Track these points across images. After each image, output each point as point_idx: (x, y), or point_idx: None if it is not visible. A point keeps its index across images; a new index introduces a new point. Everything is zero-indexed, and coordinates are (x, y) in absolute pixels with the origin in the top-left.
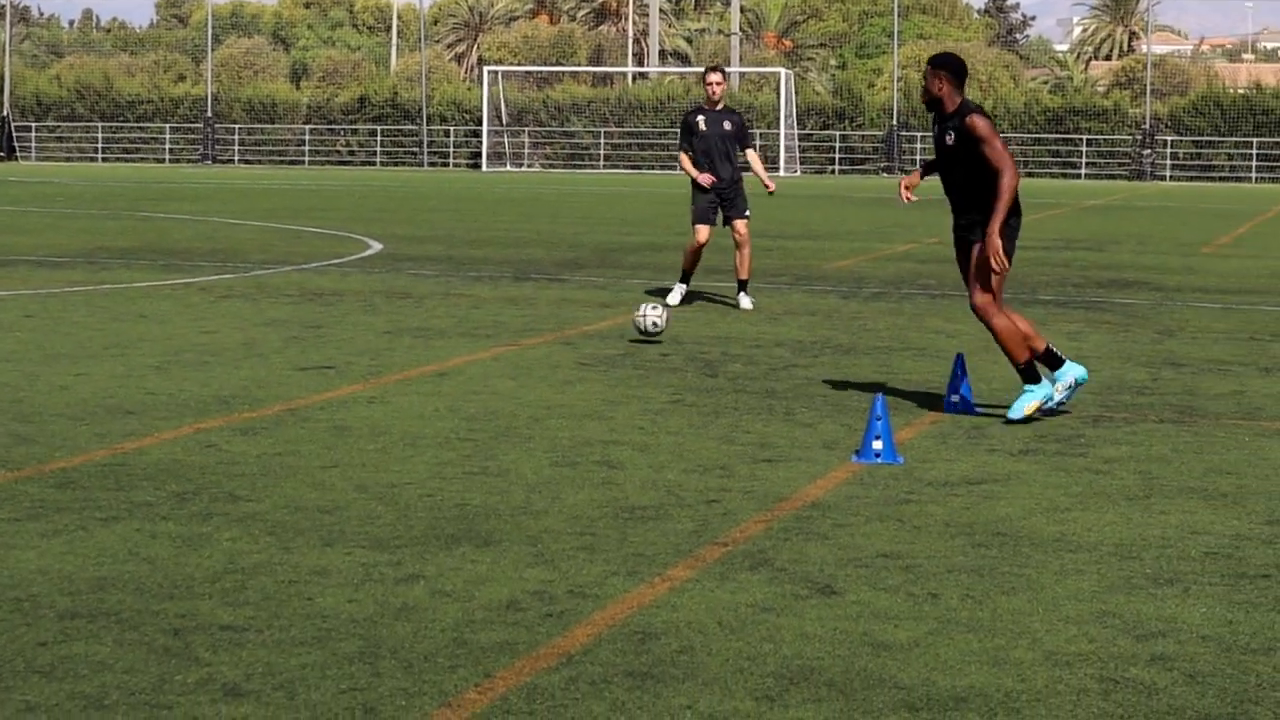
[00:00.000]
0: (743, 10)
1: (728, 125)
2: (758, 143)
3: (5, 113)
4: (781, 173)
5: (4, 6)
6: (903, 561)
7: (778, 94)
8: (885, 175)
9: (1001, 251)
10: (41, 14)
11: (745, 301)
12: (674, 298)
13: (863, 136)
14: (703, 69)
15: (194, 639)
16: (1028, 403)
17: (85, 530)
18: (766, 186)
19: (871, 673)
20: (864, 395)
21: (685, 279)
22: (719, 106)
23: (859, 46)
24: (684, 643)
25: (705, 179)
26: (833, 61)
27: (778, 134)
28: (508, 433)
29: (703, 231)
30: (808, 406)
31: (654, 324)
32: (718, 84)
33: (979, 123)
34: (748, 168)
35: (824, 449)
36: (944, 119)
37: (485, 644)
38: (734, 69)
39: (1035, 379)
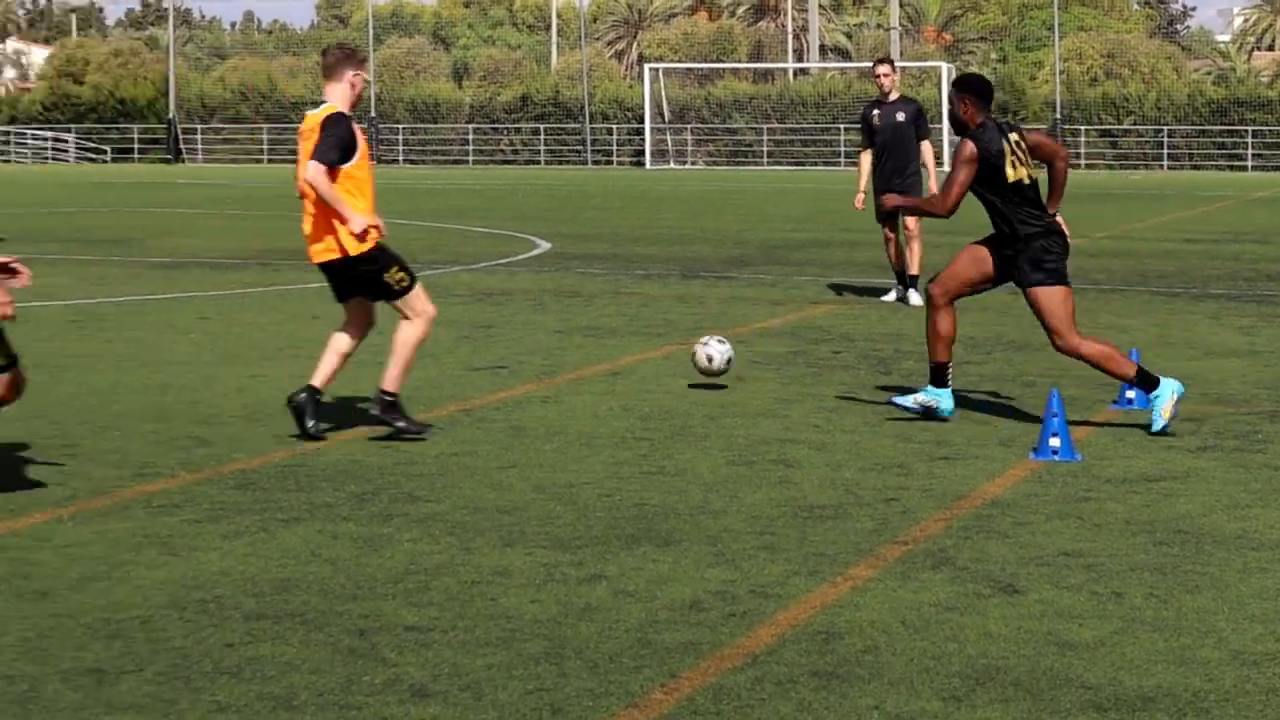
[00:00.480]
0: (902, 5)
1: (901, 116)
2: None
3: (171, 115)
4: (946, 167)
5: (167, 10)
6: (1085, 560)
7: (939, 89)
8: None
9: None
10: (204, 17)
11: (915, 298)
12: (891, 296)
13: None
14: (869, 64)
15: (379, 639)
16: (1164, 406)
17: (267, 531)
18: (931, 187)
19: (1058, 672)
20: (1039, 392)
21: (899, 278)
22: (892, 98)
23: (1019, 40)
24: (868, 642)
25: (858, 201)
26: (993, 55)
27: (940, 129)
28: (683, 431)
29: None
30: (983, 403)
31: (710, 360)
32: (885, 75)
33: (961, 147)
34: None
35: (1001, 446)
36: None
37: (670, 644)
38: (895, 63)
39: (1153, 383)
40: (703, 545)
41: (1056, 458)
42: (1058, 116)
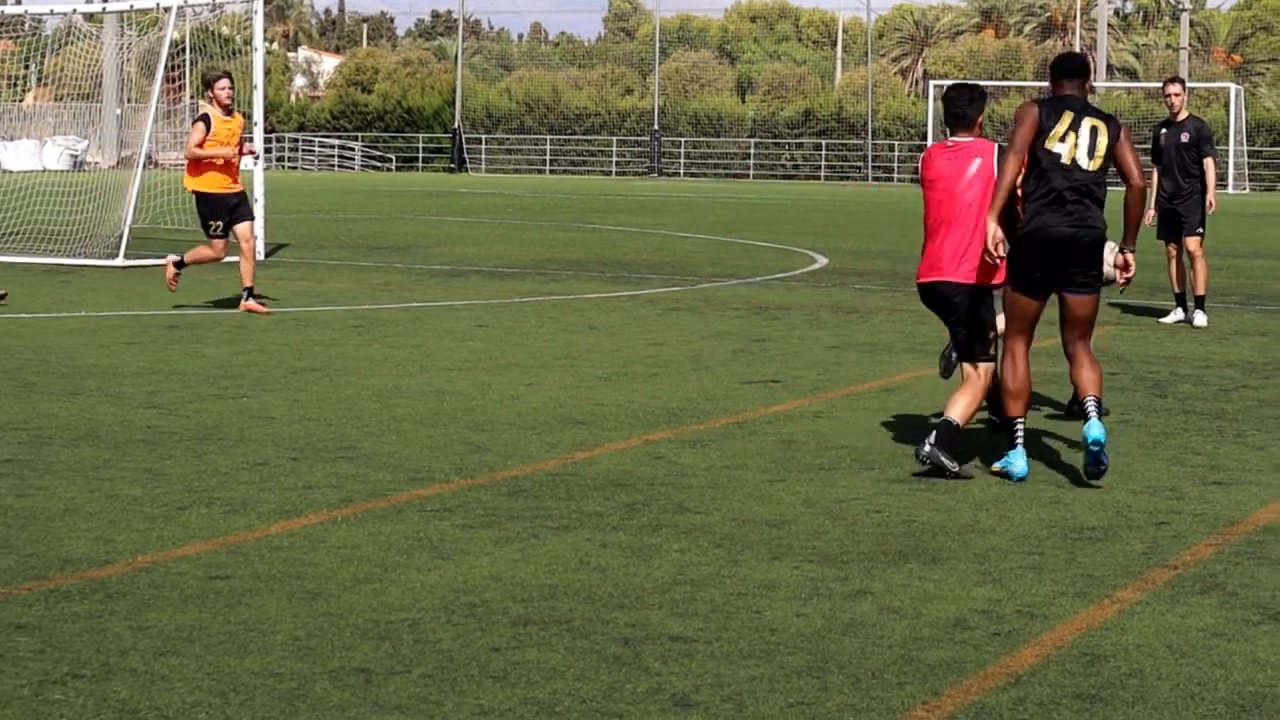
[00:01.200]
0: (1192, 25)
1: (1184, 136)
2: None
3: (457, 125)
4: (1230, 189)
5: (457, 21)
6: None
7: (1227, 110)
8: None
9: None
10: (492, 27)
11: (1200, 319)
12: (1171, 318)
13: None
14: (1157, 83)
15: (644, 649)
16: (999, 465)
17: (537, 538)
18: (1208, 204)
19: None
20: None
21: (1177, 300)
22: (1180, 117)
23: None
24: (1133, 666)
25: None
26: None
27: (1227, 150)
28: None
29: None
30: (1259, 428)
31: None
32: (1175, 95)
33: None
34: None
35: (1275, 472)
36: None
37: (933, 661)
38: None
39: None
40: (970, 564)
41: None
42: None
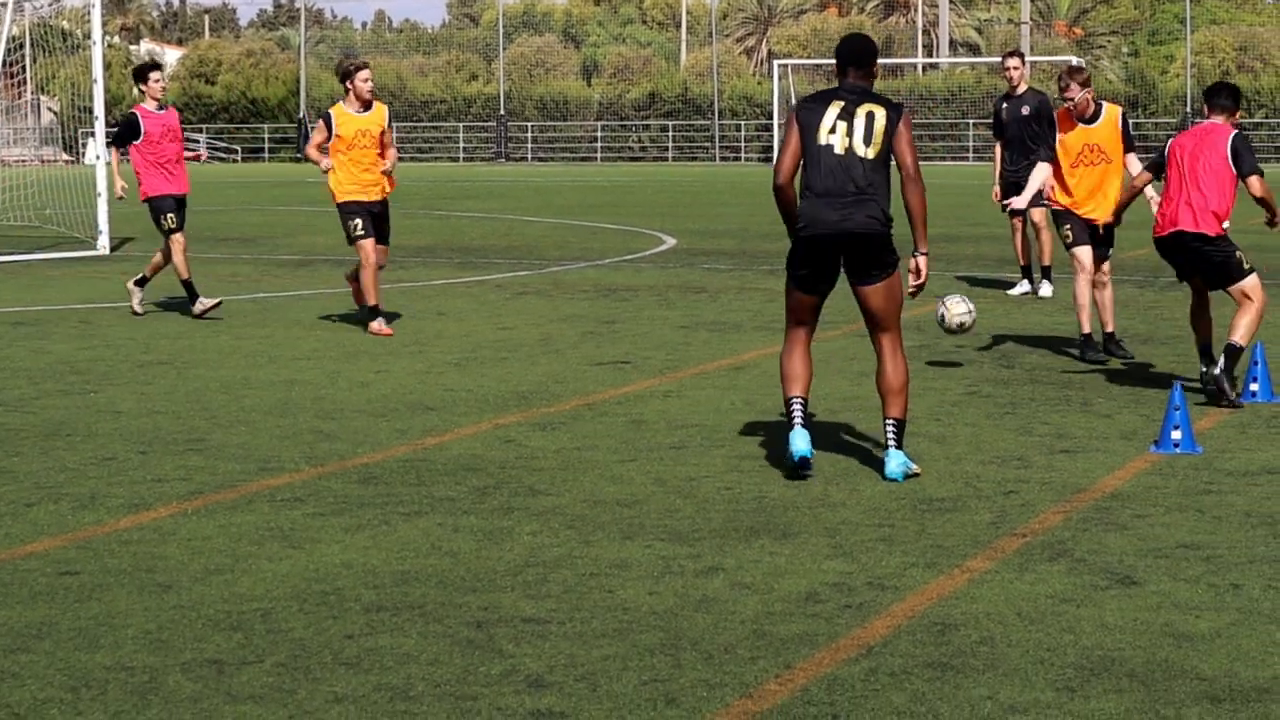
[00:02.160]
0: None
1: (1025, 109)
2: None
3: (302, 115)
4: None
5: (299, 10)
6: (1203, 552)
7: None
8: None
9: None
10: (335, 16)
11: (1045, 289)
12: (1017, 290)
13: (1156, 124)
14: (999, 58)
15: (497, 631)
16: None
17: (388, 525)
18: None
19: (1173, 664)
20: (1161, 385)
21: (1023, 271)
22: (1019, 90)
23: (1151, 33)
24: (984, 634)
25: (994, 194)
26: (1124, 49)
27: None
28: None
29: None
30: (1105, 397)
31: (960, 323)
32: (1014, 69)
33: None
34: None
35: (1122, 439)
36: None
37: (785, 635)
38: (1026, 58)
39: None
40: (821, 538)
41: (1178, 450)
42: (1188, 110)
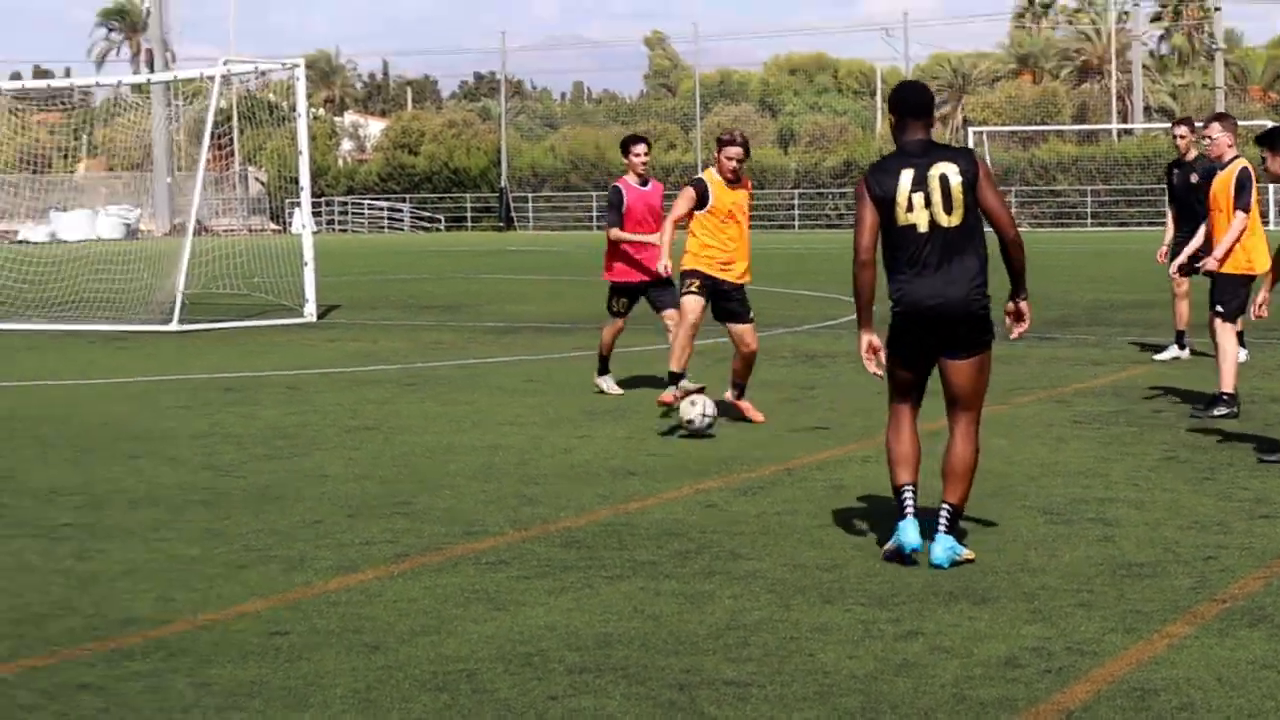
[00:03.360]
0: (1227, 65)
1: (1193, 177)
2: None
3: (503, 184)
4: (1271, 225)
5: (500, 82)
6: None
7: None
8: None
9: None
10: (535, 87)
11: (1241, 355)
12: (1165, 355)
13: None
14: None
15: (699, 694)
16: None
17: (591, 588)
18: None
19: None
20: None
21: (1178, 337)
22: (1189, 158)
23: None
24: (1184, 699)
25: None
26: None
27: (1266, 187)
28: (1003, 490)
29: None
30: None
31: (704, 419)
32: (1181, 137)
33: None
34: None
35: None
36: None
37: (985, 700)
38: None
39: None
40: (1020, 602)
41: None
42: None
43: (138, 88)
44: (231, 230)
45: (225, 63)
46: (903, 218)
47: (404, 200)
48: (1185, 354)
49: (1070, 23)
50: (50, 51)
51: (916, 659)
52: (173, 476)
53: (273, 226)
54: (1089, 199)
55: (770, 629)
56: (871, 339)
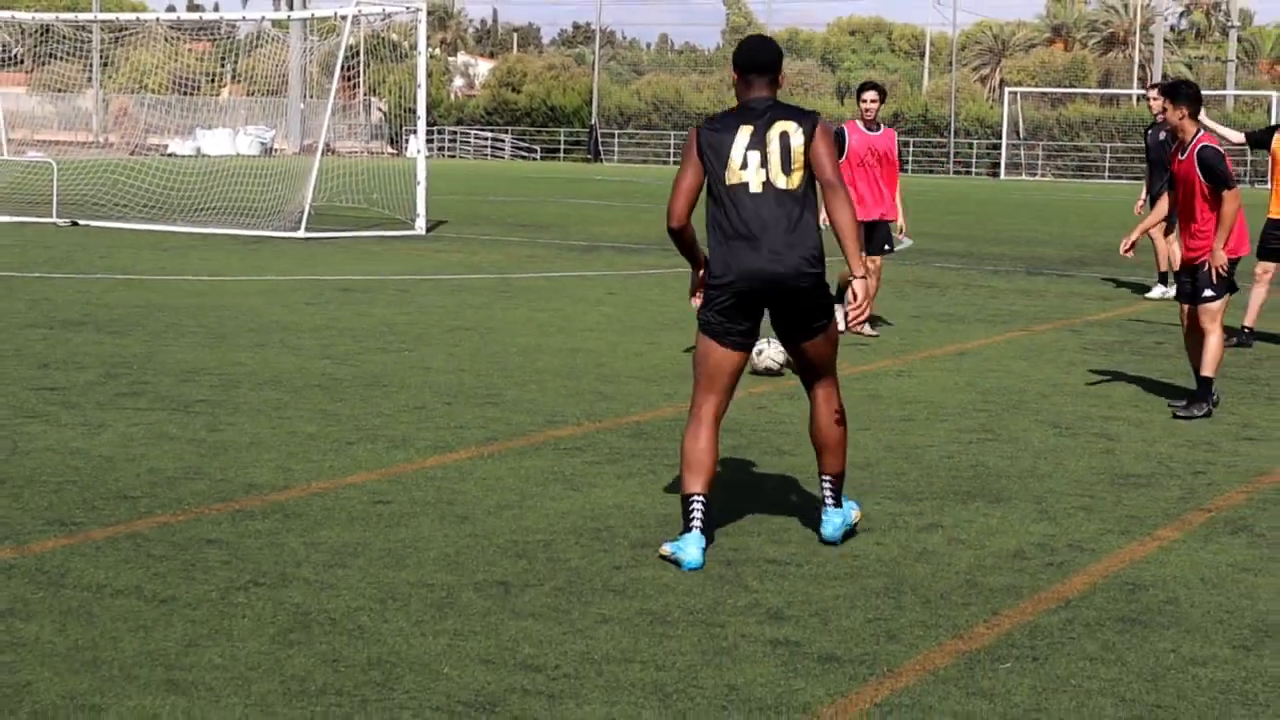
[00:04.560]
0: (1240, 40)
1: (1163, 135)
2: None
3: (594, 121)
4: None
5: (594, 32)
6: None
7: (1269, 114)
8: None
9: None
10: (625, 38)
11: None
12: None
13: None
14: (1209, 92)
15: (744, 569)
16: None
17: (654, 474)
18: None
19: None
20: None
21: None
22: (1162, 119)
23: None
24: (1169, 595)
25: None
26: None
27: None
28: (1019, 405)
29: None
30: None
31: (771, 364)
32: (1154, 99)
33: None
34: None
35: None
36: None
37: (994, 586)
38: (1229, 92)
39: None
40: (1029, 504)
41: None
42: None
43: (278, 23)
44: (354, 152)
45: (356, 4)
46: (735, 175)
47: (506, 132)
48: (1172, 291)
49: None
50: None
51: (935, 548)
52: (295, 362)
53: (390, 150)
54: (1107, 154)
55: (808, 516)
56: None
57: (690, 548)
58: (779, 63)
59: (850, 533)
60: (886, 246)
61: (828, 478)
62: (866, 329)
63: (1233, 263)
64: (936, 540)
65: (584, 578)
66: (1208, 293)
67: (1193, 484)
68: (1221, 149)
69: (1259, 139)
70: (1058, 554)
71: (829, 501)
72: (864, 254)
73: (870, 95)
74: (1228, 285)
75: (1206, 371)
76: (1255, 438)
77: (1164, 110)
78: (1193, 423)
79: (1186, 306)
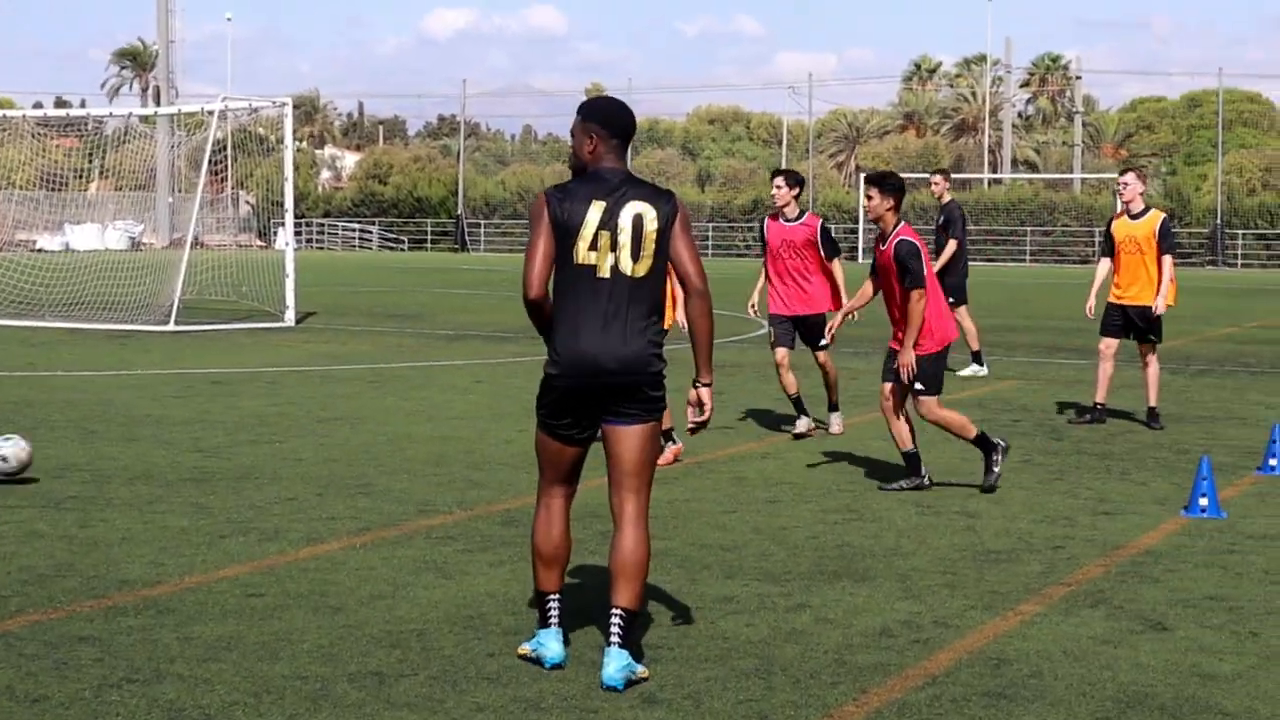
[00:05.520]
0: (1085, 125)
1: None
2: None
3: (460, 212)
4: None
5: (459, 123)
6: (1227, 603)
7: (1114, 196)
8: (1209, 268)
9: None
10: (489, 129)
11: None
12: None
13: (1190, 234)
14: (1059, 175)
15: None
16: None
17: (526, 561)
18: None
19: (1199, 700)
20: (1190, 458)
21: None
22: (944, 201)
23: (1187, 155)
24: (1033, 668)
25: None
26: (1164, 168)
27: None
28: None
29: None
30: (1140, 467)
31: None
32: (935, 184)
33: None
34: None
35: (1156, 504)
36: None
37: (862, 665)
38: (1075, 175)
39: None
40: (894, 582)
41: (1205, 515)
42: (1219, 222)
43: (145, 118)
44: (223, 245)
45: (223, 99)
46: (582, 255)
47: (373, 223)
48: (984, 370)
49: (951, 85)
50: (69, 85)
51: (804, 628)
52: (166, 456)
53: (259, 243)
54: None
55: (675, 600)
56: None
57: (551, 644)
58: (634, 132)
59: (633, 682)
60: (824, 341)
61: (619, 610)
62: (835, 425)
63: (944, 352)
64: (805, 620)
65: (458, 666)
66: (918, 386)
67: (1053, 559)
68: (919, 244)
69: (1103, 250)
70: (923, 631)
71: (615, 640)
72: (811, 348)
73: (776, 181)
74: (935, 383)
75: (909, 448)
76: (1111, 511)
77: (943, 194)
78: (1052, 501)
79: (888, 385)
